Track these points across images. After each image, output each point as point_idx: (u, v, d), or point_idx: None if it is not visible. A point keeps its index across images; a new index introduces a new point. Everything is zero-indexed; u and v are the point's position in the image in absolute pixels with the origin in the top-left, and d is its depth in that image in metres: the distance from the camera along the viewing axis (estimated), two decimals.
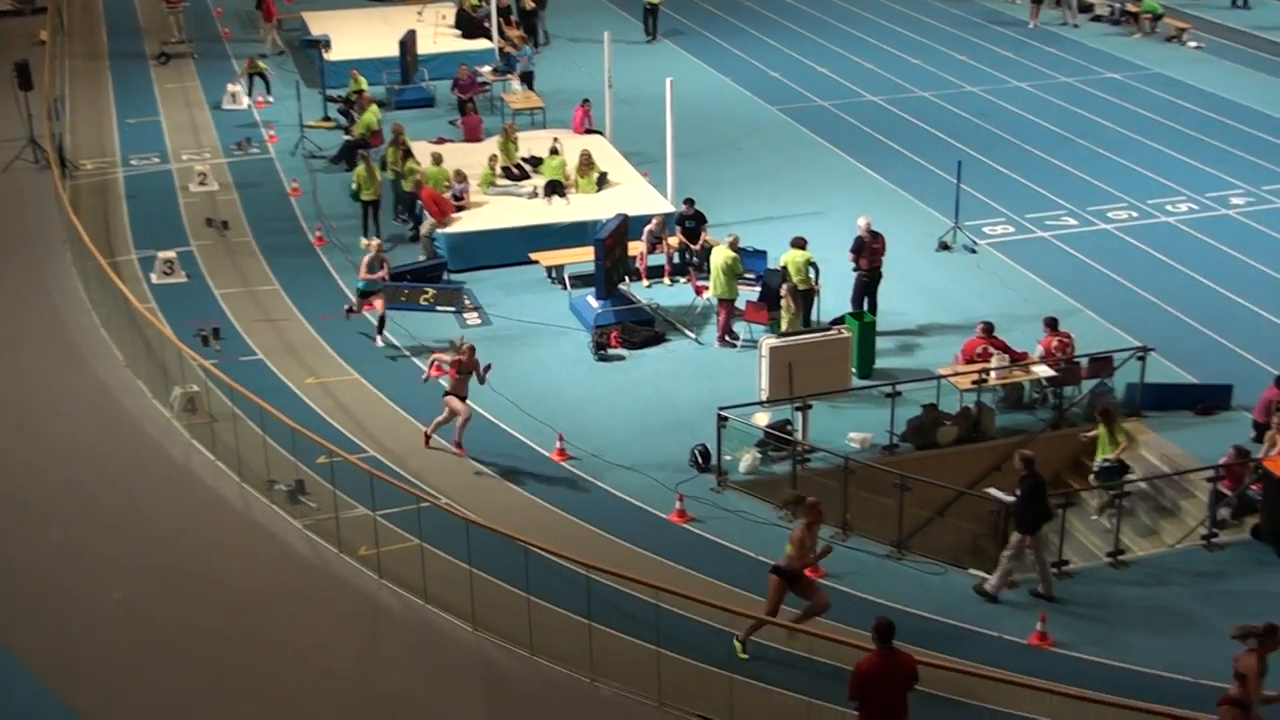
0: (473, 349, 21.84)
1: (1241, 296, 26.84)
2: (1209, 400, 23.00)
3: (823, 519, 17.44)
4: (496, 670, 16.65)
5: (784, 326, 24.31)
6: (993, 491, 19.46)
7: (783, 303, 24.67)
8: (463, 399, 21.62)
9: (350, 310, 25.74)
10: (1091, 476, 21.70)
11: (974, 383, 22.61)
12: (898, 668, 13.34)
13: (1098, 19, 47.63)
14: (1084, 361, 23.25)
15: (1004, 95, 39.46)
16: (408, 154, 29.96)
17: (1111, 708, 15.35)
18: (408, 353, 24.76)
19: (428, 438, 21.82)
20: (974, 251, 28.96)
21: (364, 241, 27.42)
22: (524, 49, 40.61)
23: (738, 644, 16.76)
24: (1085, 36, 45.62)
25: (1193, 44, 44.47)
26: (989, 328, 23.48)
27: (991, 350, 23.10)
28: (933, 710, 15.50)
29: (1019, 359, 23.23)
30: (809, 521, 16.97)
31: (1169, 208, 31.29)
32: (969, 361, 23.12)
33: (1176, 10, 47.05)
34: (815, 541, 17.17)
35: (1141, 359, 22.95)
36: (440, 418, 21.76)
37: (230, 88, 38.66)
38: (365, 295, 25.40)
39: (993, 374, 22.86)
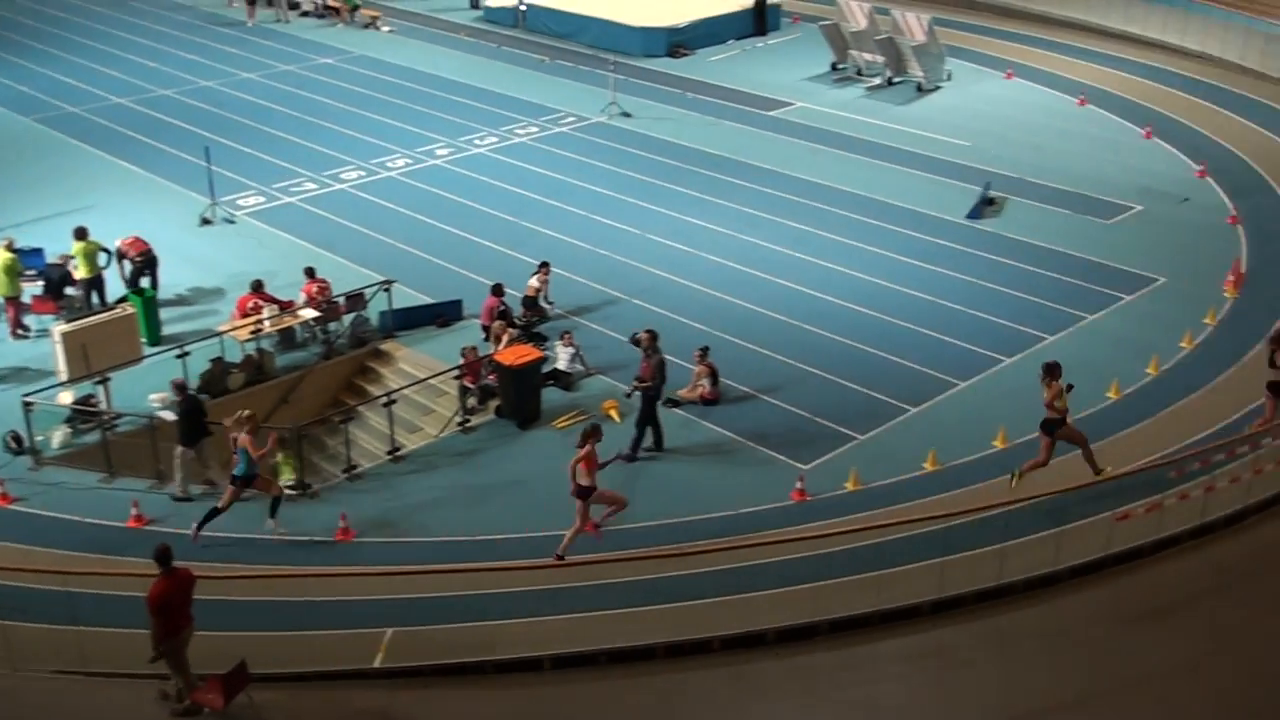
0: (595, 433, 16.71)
1: (456, 228, 28.06)
2: (445, 314, 23.97)
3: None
4: None
5: None
6: (162, 413, 19.85)
7: None
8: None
9: (215, 512, 17.45)
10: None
11: (252, 333, 22.33)
12: (181, 583, 13.09)
13: (306, 14, 47.64)
14: (341, 300, 23.54)
15: (236, 86, 38.63)
16: None
17: (408, 575, 15.95)
18: (297, 539, 17.65)
19: (560, 557, 16.27)
20: (233, 222, 28.36)
21: (235, 416, 17.49)
22: None
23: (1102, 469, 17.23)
24: (297, 30, 45.53)
25: (386, 28, 45.57)
26: (258, 284, 23.25)
27: (262, 303, 22.88)
28: (259, 614, 15.39)
29: (286, 306, 23.17)
30: (1060, 383, 16.92)
31: (389, 164, 32.04)
32: (244, 315, 22.78)
33: (370, 1, 47.97)
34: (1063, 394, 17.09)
35: (387, 290, 23.52)
36: (576, 525, 16.52)
37: None
38: (248, 481, 17.44)
39: (267, 323, 22.65)
